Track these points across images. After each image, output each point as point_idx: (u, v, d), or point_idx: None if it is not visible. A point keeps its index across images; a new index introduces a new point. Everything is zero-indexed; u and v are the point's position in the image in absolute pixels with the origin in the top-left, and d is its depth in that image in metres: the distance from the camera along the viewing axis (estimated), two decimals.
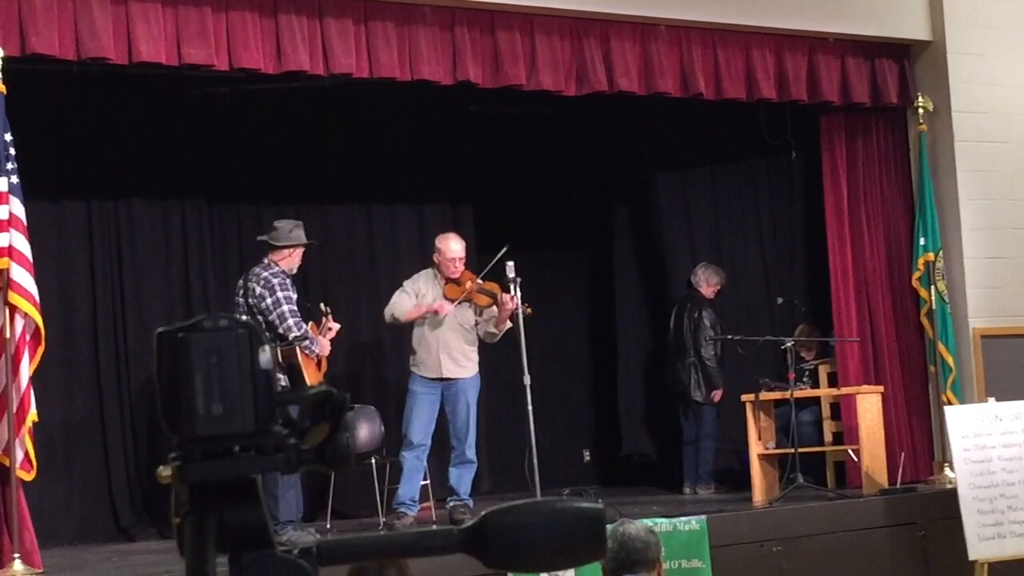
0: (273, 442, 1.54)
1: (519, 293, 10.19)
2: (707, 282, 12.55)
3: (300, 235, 10.14)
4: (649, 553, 5.42)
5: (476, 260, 11.05)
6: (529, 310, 10.34)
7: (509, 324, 10.42)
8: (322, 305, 10.44)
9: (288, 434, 1.55)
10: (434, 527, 7.79)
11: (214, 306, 11.41)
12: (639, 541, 5.40)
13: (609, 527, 5.31)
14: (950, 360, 11.62)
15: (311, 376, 9.69)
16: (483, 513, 1.66)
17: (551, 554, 1.67)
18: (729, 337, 12.31)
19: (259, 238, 10.31)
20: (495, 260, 10.40)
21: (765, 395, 11.56)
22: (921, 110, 11.86)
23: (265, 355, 1.54)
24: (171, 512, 1.57)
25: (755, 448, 11.33)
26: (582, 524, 1.66)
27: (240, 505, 1.55)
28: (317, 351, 9.89)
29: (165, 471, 1.54)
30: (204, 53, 9.16)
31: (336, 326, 10.31)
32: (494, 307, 10.47)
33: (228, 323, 1.54)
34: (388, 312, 10.54)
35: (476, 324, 10.58)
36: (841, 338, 11.97)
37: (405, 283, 10.61)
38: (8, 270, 8.36)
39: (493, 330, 10.53)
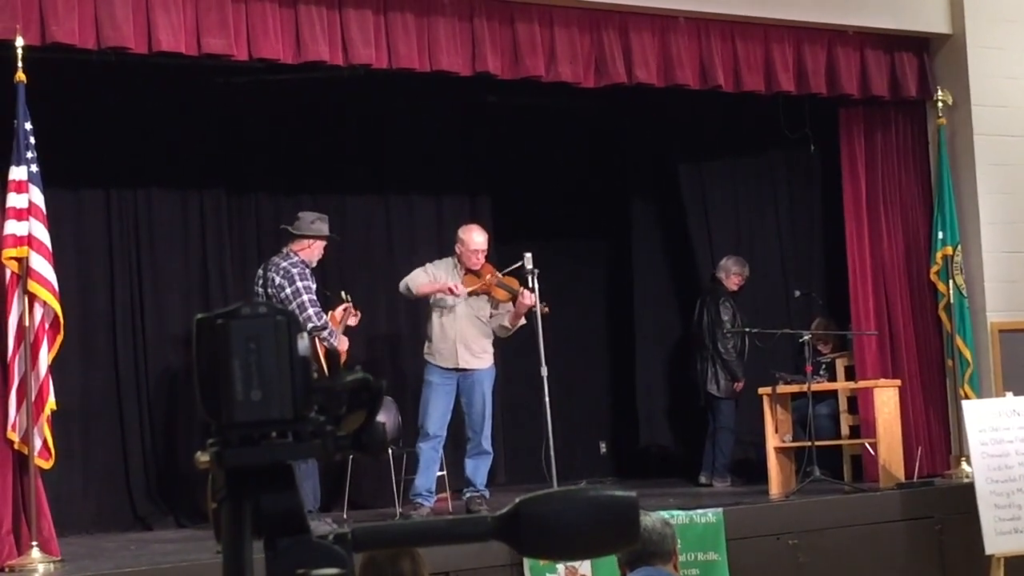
0: (310, 428, 1.55)
1: (537, 286, 10.20)
2: (727, 273, 12.54)
3: (322, 227, 10.16)
4: (665, 545, 5.41)
5: (495, 251, 11.05)
6: (546, 309, 10.34)
7: (523, 321, 10.43)
8: (343, 293, 10.48)
9: (325, 421, 1.56)
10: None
11: (232, 296, 11.44)
12: (655, 533, 5.39)
13: None
14: (967, 354, 11.60)
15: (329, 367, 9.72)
16: (517, 501, 1.66)
17: (585, 542, 1.68)
18: (747, 330, 12.31)
19: (282, 227, 10.34)
20: (514, 267, 10.43)
21: (782, 388, 11.55)
22: (940, 103, 11.82)
23: (303, 342, 1.55)
24: (208, 497, 1.57)
25: (772, 441, 11.32)
26: (616, 512, 1.67)
27: (276, 491, 1.56)
28: (336, 343, 9.92)
29: (203, 456, 1.55)
30: (224, 43, 9.17)
31: (356, 314, 10.38)
32: (510, 303, 10.48)
33: (267, 310, 1.54)
34: (403, 283, 10.56)
35: (491, 317, 10.59)
36: (858, 331, 11.96)
37: (427, 265, 10.63)
38: (28, 259, 8.38)
39: (507, 325, 10.54)
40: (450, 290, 10.35)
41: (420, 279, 10.49)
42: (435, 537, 1.76)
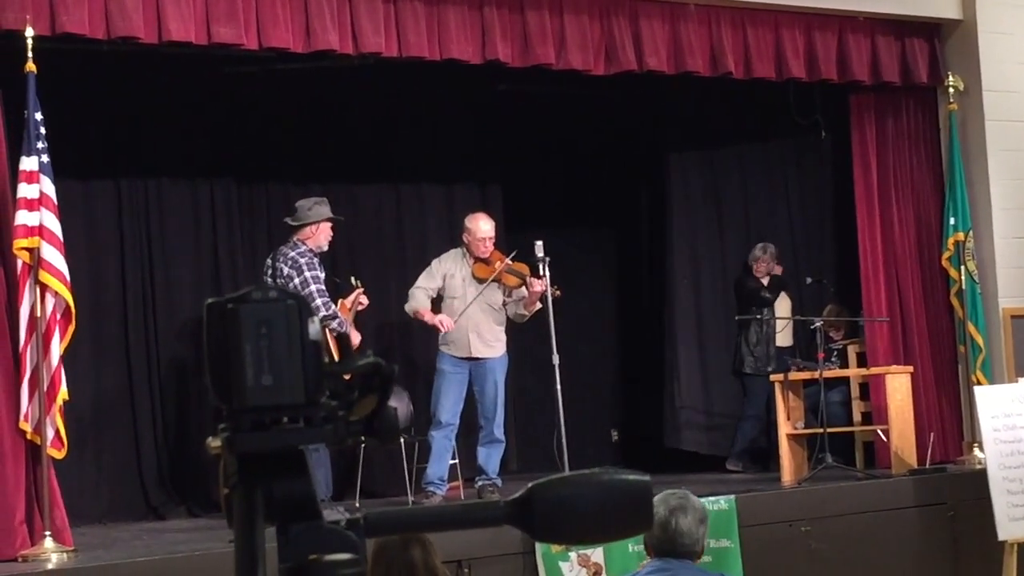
0: (322, 414, 1.54)
1: (548, 273, 10.19)
2: (754, 262, 12.58)
3: (321, 211, 10.13)
4: (696, 546, 5.44)
5: (505, 240, 11.05)
6: (558, 292, 10.33)
7: (539, 306, 10.42)
8: (353, 279, 10.48)
9: (337, 406, 1.55)
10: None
11: (243, 286, 11.37)
12: (689, 537, 5.38)
13: (663, 512, 5.29)
14: (980, 340, 11.58)
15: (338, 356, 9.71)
16: (530, 485, 1.66)
17: (598, 526, 1.67)
18: (757, 317, 12.31)
19: (284, 220, 10.35)
20: (513, 255, 10.45)
21: (794, 375, 11.55)
22: (951, 89, 11.80)
23: (314, 326, 1.54)
24: (220, 483, 1.57)
25: (784, 428, 11.31)
26: (629, 496, 1.66)
27: (288, 476, 1.55)
28: (346, 332, 9.92)
29: (214, 442, 1.54)
30: (233, 32, 9.16)
31: (365, 301, 10.38)
32: (523, 288, 10.46)
33: (277, 295, 1.54)
34: (408, 300, 10.57)
35: (504, 304, 10.58)
36: (870, 318, 11.95)
37: (432, 263, 10.61)
38: (39, 249, 8.38)
39: (523, 311, 10.53)
40: (434, 327, 10.37)
41: (416, 303, 10.48)
42: (448, 522, 1.75)
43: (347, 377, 1.60)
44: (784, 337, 12.64)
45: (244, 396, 1.51)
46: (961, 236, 11.69)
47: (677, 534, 5.33)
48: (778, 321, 12.50)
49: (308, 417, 1.53)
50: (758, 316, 12.31)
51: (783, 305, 12.68)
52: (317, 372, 1.53)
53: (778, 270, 12.68)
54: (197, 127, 11.59)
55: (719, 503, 9.43)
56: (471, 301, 10.38)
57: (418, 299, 10.48)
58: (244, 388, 1.51)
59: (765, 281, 12.55)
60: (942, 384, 11.97)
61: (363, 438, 1.59)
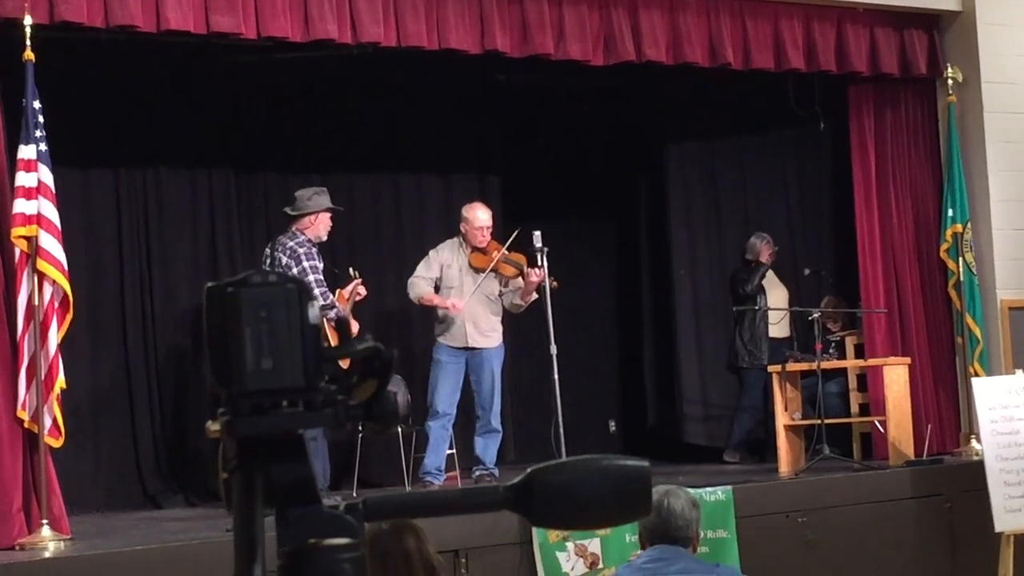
0: (321, 398, 1.54)
1: (546, 263, 10.19)
2: (751, 252, 12.56)
3: (321, 201, 10.13)
4: (689, 531, 5.39)
5: (502, 230, 11.04)
6: (556, 284, 10.33)
7: (535, 296, 10.42)
8: (351, 270, 10.48)
9: (336, 390, 1.55)
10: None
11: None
12: (681, 519, 5.35)
13: (655, 497, 5.29)
14: (977, 332, 11.58)
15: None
16: (529, 470, 1.66)
17: (596, 512, 1.67)
18: (755, 308, 12.30)
19: (284, 210, 10.34)
20: (510, 240, 10.45)
21: (792, 366, 11.55)
22: (950, 81, 11.80)
23: (314, 310, 1.54)
24: (218, 467, 1.57)
25: (781, 419, 11.31)
26: (628, 482, 1.66)
27: (287, 460, 1.55)
28: (345, 317, 9.93)
29: (214, 426, 1.54)
30: (232, 21, 9.15)
31: (363, 291, 10.38)
32: (520, 278, 10.46)
33: (277, 278, 1.53)
34: (408, 289, 10.57)
35: (500, 295, 10.58)
36: (868, 309, 11.94)
37: (430, 253, 10.62)
38: (37, 237, 8.37)
39: (519, 302, 10.53)
40: (447, 308, 10.35)
41: (421, 290, 10.48)
42: (447, 507, 1.75)
43: (346, 362, 1.59)
44: (781, 328, 12.64)
45: (244, 380, 1.50)
46: (959, 228, 11.68)
47: (670, 515, 5.30)
48: (775, 312, 12.50)
49: (308, 401, 1.53)
50: (755, 308, 12.31)
51: (780, 296, 12.68)
52: (317, 356, 1.53)
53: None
54: (195, 116, 11.57)
55: (716, 494, 9.43)
56: (469, 292, 10.38)
57: (420, 286, 10.49)
58: (244, 372, 1.50)
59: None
60: (940, 376, 11.97)
61: (362, 423, 1.58)
